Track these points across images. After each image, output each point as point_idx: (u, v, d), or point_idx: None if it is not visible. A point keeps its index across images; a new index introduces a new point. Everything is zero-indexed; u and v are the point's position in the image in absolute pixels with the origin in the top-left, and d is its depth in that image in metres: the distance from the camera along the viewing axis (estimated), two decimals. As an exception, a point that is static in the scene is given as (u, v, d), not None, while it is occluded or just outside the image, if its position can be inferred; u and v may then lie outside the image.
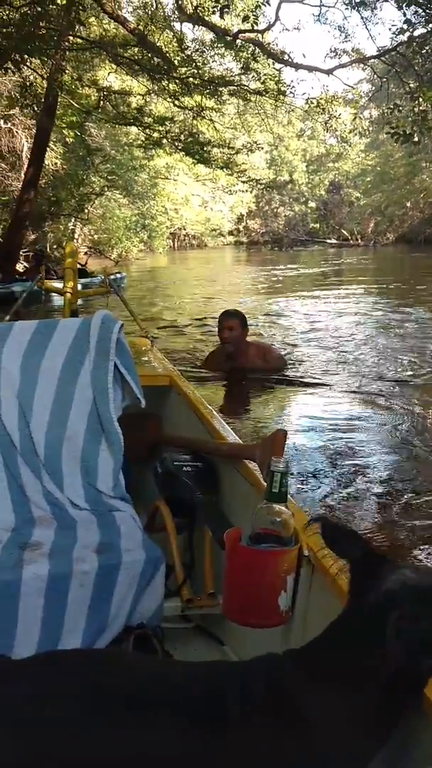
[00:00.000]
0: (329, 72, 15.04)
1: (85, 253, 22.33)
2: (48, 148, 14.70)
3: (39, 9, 8.98)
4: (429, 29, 10.63)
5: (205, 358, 5.33)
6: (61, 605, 1.52)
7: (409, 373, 5.19)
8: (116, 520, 1.75)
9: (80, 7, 10.04)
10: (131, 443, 2.00)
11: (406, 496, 2.98)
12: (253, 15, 12.41)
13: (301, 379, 5.00)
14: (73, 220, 20.65)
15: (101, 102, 14.80)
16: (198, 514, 1.86)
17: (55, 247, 19.38)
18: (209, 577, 1.74)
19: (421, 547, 2.51)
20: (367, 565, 1.05)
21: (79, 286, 3.48)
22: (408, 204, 37.70)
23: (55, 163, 17.25)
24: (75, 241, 21.90)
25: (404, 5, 10.24)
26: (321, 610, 1.32)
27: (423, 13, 10.40)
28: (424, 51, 11.24)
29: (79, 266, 4.53)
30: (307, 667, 1.01)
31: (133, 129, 17.16)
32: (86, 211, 20.50)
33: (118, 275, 12.78)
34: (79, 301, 3.12)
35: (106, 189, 20.24)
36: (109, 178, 19.74)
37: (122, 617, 1.57)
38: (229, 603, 1.39)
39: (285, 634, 1.38)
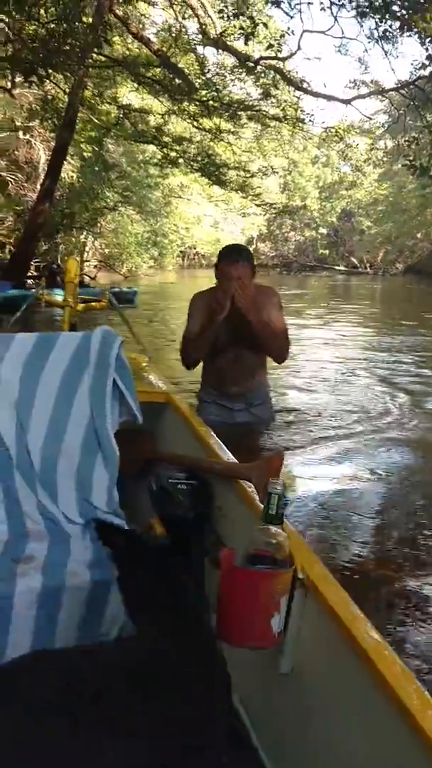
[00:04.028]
0: (347, 102, 15.24)
1: (95, 267, 22.49)
2: (65, 162, 14.87)
3: (65, 26, 9.13)
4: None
5: (192, 304, 3.80)
6: (54, 619, 1.52)
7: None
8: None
9: (106, 26, 10.22)
10: (126, 459, 2.01)
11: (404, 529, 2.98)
12: (277, 43, 12.59)
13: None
14: (85, 233, 20.82)
15: (120, 119, 15.00)
16: (192, 532, 1.86)
17: (66, 259, 19.51)
18: (201, 597, 1.74)
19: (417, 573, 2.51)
20: None
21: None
22: (419, 235, 37.95)
23: (72, 177, 17.43)
24: (86, 254, 22.09)
25: (427, 41, 10.39)
26: (313, 633, 1.32)
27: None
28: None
29: (88, 278, 4.56)
30: None
31: (151, 147, 17.37)
32: (99, 225, 20.68)
33: (131, 290, 12.83)
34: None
35: (119, 204, 20.42)
36: (124, 194, 19.93)
37: (114, 632, 1.56)
38: (221, 623, 1.39)
39: (275, 657, 1.37)
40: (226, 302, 3.42)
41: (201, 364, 3.88)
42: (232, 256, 3.54)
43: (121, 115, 15.06)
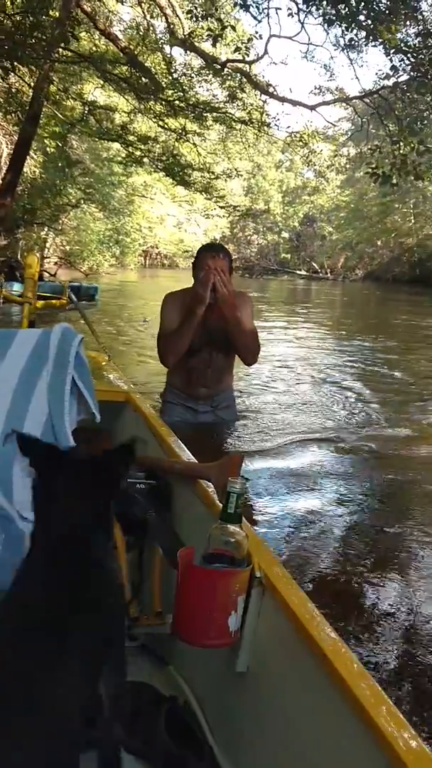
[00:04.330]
0: (312, 108, 15.37)
1: (56, 263, 22.24)
2: (28, 156, 14.67)
3: (32, 18, 9.02)
4: (412, 76, 10.95)
5: (165, 303, 3.70)
6: None
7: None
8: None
9: (74, 21, 10.12)
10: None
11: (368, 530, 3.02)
12: (245, 46, 12.64)
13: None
14: (46, 229, 20.57)
15: (85, 115, 14.87)
16: (149, 532, 1.85)
17: (26, 254, 19.25)
18: (157, 596, 1.74)
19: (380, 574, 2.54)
20: None
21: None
22: (379, 242, 38.51)
23: (34, 172, 17.21)
24: (46, 250, 21.83)
25: (391, 51, 10.54)
26: (270, 632, 1.33)
27: (408, 61, 10.71)
28: (405, 96, 11.55)
29: (48, 274, 4.51)
30: None
31: (115, 145, 17.26)
32: (61, 221, 20.45)
33: (92, 286, 12.65)
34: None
35: (82, 201, 20.23)
36: (87, 191, 19.75)
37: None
38: (178, 622, 1.39)
39: (232, 655, 1.38)
40: (206, 292, 3.41)
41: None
42: (212, 250, 3.61)
43: (86, 112, 14.92)
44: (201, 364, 3.75)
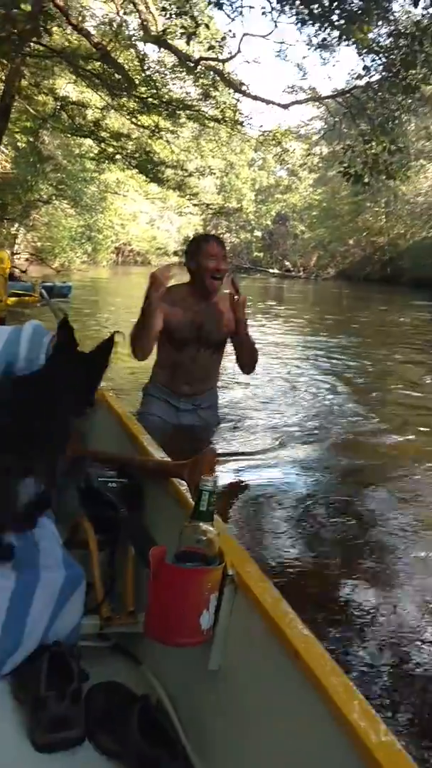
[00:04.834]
0: (285, 107, 15.44)
1: (27, 260, 22.03)
2: (-1, 151, 14.53)
3: (3, 12, 8.91)
4: (384, 76, 11.03)
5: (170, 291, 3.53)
6: None
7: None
8: (35, 536, 1.73)
9: (47, 16, 10.03)
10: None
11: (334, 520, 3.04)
12: (218, 45, 12.63)
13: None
14: (17, 225, 20.38)
15: (57, 111, 14.74)
16: (121, 531, 1.84)
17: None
18: (130, 595, 1.73)
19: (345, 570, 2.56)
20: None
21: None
22: (350, 241, 38.77)
23: (5, 167, 17.03)
24: (17, 246, 21.62)
25: (363, 52, 10.62)
26: (242, 629, 1.33)
27: (380, 61, 10.80)
28: (377, 96, 11.64)
29: (18, 271, 4.47)
30: None
31: (87, 141, 17.13)
32: (32, 217, 20.27)
33: (65, 285, 12.55)
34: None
35: (54, 198, 20.07)
36: (59, 187, 19.61)
37: (38, 635, 1.54)
38: (151, 621, 1.38)
39: (204, 654, 1.38)
40: (166, 277, 3.35)
41: (155, 357, 3.79)
42: (215, 238, 3.70)
43: (58, 107, 14.78)
44: (187, 360, 3.70)
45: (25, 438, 1.68)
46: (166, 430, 3.54)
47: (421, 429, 4.72)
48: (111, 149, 15.53)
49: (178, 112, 14.44)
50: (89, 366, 1.79)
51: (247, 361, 3.75)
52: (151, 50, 16.78)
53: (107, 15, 15.01)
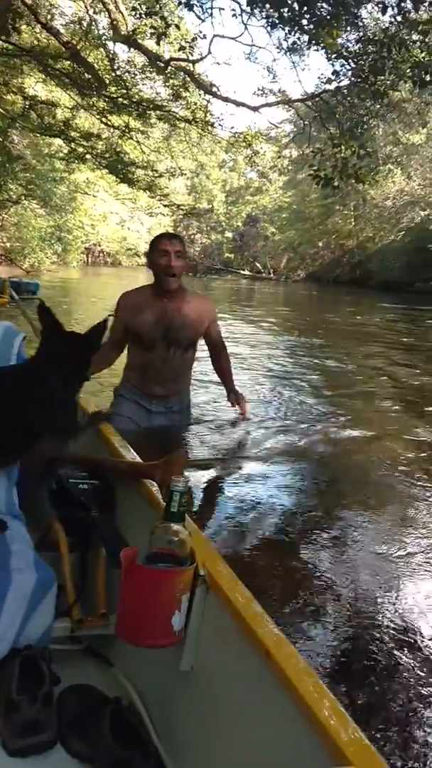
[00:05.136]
0: (255, 109, 15.46)
1: (-4, 260, 21.80)
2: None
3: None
4: (353, 81, 11.12)
5: (117, 306, 3.71)
6: None
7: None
8: (6, 538, 1.71)
9: (15, 13, 9.93)
10: (25, 459, 1.96)
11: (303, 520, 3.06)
12: (189, 45, 12.62)
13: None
14: (-15, 225, 20.16)
15: (27, 110, 14.60)
16: (93, 533, 1.83)
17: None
18: (101, 598, 1.72)
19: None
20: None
21: None
22: (320, 244, 39.04)
23: (-27, 166, 16.83)
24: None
25: (333, 56, 10.69)
26: (214, 630, 1.33)
27: (349, 67, 10.88)
28: (346, 101, 11.73)
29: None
30: None
31: (57, 141, 17.00)
32: (1, 217, 20.06)
33: (32, 282, 12.40)
34: None
35: (23, 198, 19.89)
36: (28, 187, 19.43)
37: (9, 638, 1.52)
38: (122, 623, 1.38)
39: (176, 655, 1.38)
40: None
41: (126, 358, 3.80)
42: (168, 235, 3.72)
43: (27, 106, 14.64)
44: (158, 360, 3.68)
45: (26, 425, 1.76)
46: (137, 432, 3.54)
47: (390, 428, 4.79)
48: (81, 149, 15.43)
49: (148, 112, 14.41)
50: (83, 343, 1.88)
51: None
52: (121, 50, 16.72)
53: (76, 14, 14.90)
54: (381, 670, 1.99)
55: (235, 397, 4.17)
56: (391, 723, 1.78)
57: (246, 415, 4.26)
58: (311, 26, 10.04)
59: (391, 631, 2.17)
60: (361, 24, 10.87)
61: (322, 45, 10.28)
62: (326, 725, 0.94)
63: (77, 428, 1.95)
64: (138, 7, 12.43)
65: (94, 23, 14.04)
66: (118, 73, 14.22)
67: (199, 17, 12.72)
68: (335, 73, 11.17)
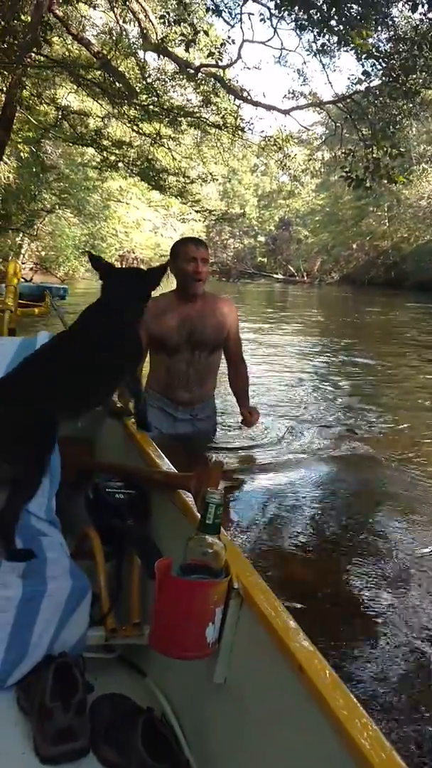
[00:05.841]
0: (286, 112, 15.42)
1: (31, 269, 22.07)
2: (2, 162, 14.56)
3: (3, 23, 8.96)
4: (384, 81, 11.03)
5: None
6: None
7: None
8: (43, 546, 1.73)
9: (46, 26, 10.07)
10: (64, 466, 1.98)
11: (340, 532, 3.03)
12: (218, 51, 12.65)
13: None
14: (21, 235, 20.42)
15: (59, 120, 14.79)
16: (128, 542, 1.84)
17: (3, 260, 19.10)
18: (135, 607, 1.73)
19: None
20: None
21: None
22: (354, 246, 38.75)
23: (8, 177, 17.08)
24: (22, 256, 21.68)
25: (363, 57, 10.61)
26: (248, 643, 1.32)
27: (380, 66, 10.80)
28: (378, 101, 11.64)
29: (24, 280, 4.48)
30: None
31: (90, 150, 17.16)
32: (36, 227, 20.31)
33: (62, 287, 12.62)
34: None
35: (57, 207, 20.11)
36: (62, 196, 19.64)
37: (44, 645, 1.54)
38: (156, 634, 1.38)
39: (209, 667, 1.37)
40: None
41: (149, 365, 3.76)
42: (193, 240, 3.74)
43: (60, 117, 14.82)
44: (183, 364, 3.65)
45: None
46: (162, 440, 3.53)
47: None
48: (113, 157, 15.56)
49: (179, 119, 14.46)
50: (144, 277, 2.10)
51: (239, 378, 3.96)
52: (151, 58, 16.82)
53: (107, 24, 15.06)
54: (419, 690, 1.96)
55: (247, 412, 3.92)
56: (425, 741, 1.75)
57: (248, 426, 3.96)
58: (341, 27, 9.99)
59: None
60: (391, 23, 10.79)
61: (351, 46, 10.21)
62: (358, 743, 0.92)
63: (141, 354, 2.16)
64: (167, 15, 12.51)
65: (124, 33, 14.18)
66: (149, 81, 14.32)
67: (228, 23, 12.75)
68: (366, 73, 11.10)
